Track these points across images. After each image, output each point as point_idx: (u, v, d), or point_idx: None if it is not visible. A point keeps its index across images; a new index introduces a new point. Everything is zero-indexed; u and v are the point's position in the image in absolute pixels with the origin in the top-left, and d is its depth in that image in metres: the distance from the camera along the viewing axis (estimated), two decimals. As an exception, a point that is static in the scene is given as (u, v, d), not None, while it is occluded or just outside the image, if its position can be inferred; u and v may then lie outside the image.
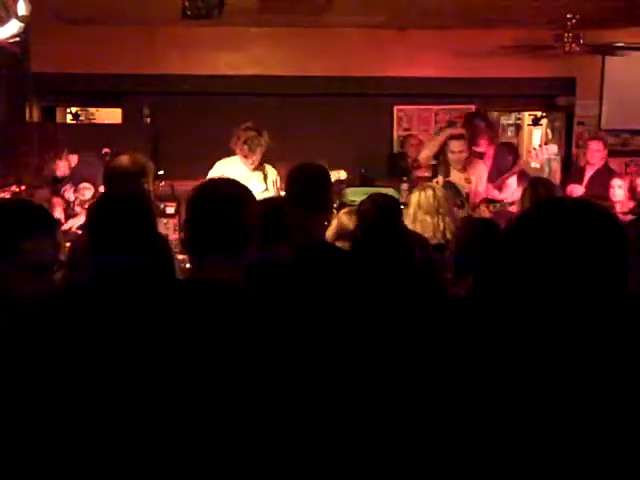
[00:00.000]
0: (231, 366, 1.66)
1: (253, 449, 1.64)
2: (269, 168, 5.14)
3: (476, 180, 5.31)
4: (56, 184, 5.96)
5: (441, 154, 5.39)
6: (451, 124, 5.88)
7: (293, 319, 1.80)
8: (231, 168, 4.92)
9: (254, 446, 1.63)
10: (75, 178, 5.86)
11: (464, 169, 5.29)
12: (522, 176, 6.52)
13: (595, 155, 6.11)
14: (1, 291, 1.74)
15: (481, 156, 5.80)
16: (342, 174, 5.54)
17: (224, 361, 1.66)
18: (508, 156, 6.19)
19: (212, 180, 2.02)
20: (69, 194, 5.73)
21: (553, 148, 5.89)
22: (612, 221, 1.39)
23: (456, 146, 5.28)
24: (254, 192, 4.48)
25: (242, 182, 4.48)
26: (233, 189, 1.92)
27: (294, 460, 1.65)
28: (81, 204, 5.42)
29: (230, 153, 5.10)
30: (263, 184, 5.04)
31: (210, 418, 1.64)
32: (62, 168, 6.02)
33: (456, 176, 5.29)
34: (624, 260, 1.36)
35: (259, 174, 5.05)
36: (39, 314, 1.79)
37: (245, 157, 4.95)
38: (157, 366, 1.68)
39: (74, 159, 6.13)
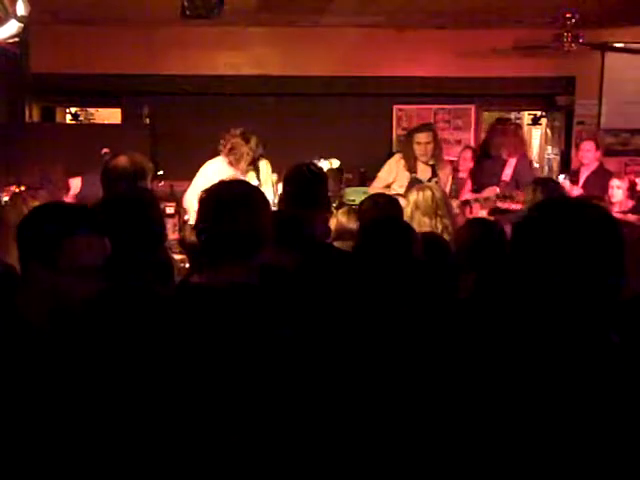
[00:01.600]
0: (246, 368, 1.66)
1: (260, 448, 1.64)
2: (262, 163, 5.13)
3: (442, 182, 5.25)
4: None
5: (406, 147, 5.36)
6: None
7: (301, 320, 1.80)
8: (221, 168, 4.92)
9: (262, 445, 1.64)
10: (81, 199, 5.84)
11: (429, 162, 5.25)
12: (519, 165, 6.42)
13: (586, 155, 6.08)
14: (49, 291, 1.71)
15: (502, 162, 5.78)
16: (335, 162, 5.49)
17: (239, 364, 1.66)
18: (530, 170, 6.15)
19: (224, 182, 2.01)
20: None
21: (566, 183, 5.85)
22: (610, 220, 1.41)
23: (422, 137, 5.21)
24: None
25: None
26: (245, 191, 1.92)
27: (300, 458, 1.65)
28: None
29: None
30: (256, 180, 5.02)
31: (222, 420, 1.64)
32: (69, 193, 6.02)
33: (423, 171, 5.26)
34: (620, 258, 1.37)
35: (251, 172, 5.05)
36: (86, 316, 1.76)
37: (231, 164, 4.94)
38: (177, 369, 1.67)
39: (76, 182, 6.15)
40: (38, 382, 1.62)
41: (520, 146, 5.93)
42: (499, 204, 5.40)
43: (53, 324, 1.68)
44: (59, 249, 1.69)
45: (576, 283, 1.35)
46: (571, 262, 1.35)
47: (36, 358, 1.64)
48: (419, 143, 5.21)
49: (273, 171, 5.51)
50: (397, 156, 5.51)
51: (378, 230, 2.28)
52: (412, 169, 5.24)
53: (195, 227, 1.92)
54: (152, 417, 1.66)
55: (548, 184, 4.44)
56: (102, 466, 1.62)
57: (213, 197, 1.89)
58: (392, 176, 5.36)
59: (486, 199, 5.42)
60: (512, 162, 5.77)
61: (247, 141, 4.88)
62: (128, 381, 1.68)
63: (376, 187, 5.35)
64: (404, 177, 5.27)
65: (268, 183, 5.10)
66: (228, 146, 4.89)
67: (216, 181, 5.31)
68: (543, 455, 1.30)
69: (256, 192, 1.97)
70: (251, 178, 5.02)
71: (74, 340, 1.70)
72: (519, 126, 6.75)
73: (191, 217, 4.89)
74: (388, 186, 5.27)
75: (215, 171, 4.90)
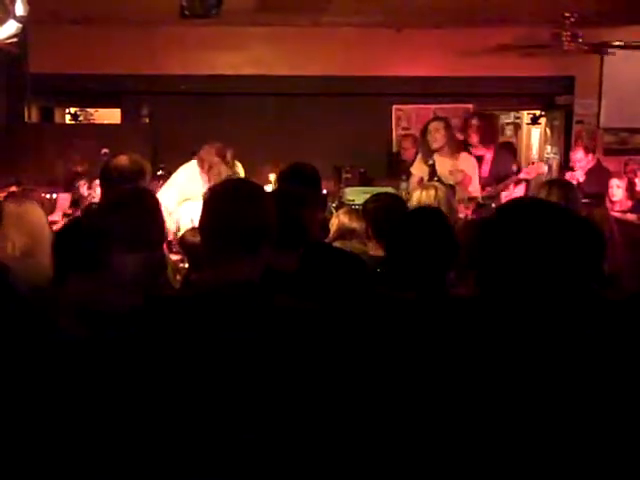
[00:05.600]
0: (253, 366, 1.65)
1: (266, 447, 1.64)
2: (236, 165, 5.15)
3: (465, 175, 5.28)
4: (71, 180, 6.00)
5: (422, 137, 5.50)
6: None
7: (305, 319, 1.80)
8: (196, 174, 4.92)
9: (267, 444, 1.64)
10: (92, 174, 5.87)
11: (442, 150, 5.34)
12: (497, 158, 6.41)
13: (579, 165, 6.16)
14: (90, 305, 1.72)
15: (479, 159, 5.77)
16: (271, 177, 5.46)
17: (246, 363, 1.65)
18: (508, 158, 6.16)
19: (229, 180, 2.01)
20: (83, 189, 5.75)
21: (544, 168, 5.90)
22: (582, 222, 1.45)
23: (432, 125, 5.41)
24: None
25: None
26: (251, 188, 1.92)
27: (298, 460, 1.65)
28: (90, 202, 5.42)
29: None
30: None
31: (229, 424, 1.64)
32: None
33: (441, 164, 5.29)
34: (599, 255, 1.41)
35: None
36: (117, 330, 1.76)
37: (209, 180, 4.94)
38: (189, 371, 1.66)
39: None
40: (73, 387, 1.63)
41: (493, 137, 5.90)
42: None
43: (90, 333, 1.69)
44: (108, 263, 1.70)
45: (547, 280, 1.38)
46: (543, 260, 1.39)
47: (73, 365, 1.66)
48: (429, 132, 5.38)
49: (271, 171, 5.52)
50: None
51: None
52: (427, 158, 5.37)
53: (200, 224, 1.91)
54: (171, 420, 1.66)
55: (564, 185, 4.39)
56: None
57: (220, 194, 1.89)
58: (419, 172, 5.49)
59: (470, 199, 5.36)
60: (488, 158, 5.78)
61: (224, 157, 4.90)
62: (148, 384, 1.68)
63: (413, 182, 5.44)
64: (425, 172, 5.36)
65: None
66: (206, 166, 4.90)
67: (190, 187, 5.22)
68: (545, 448, 1.31)
69: (261, 189, 1.97)
70: None
71: (110, 347, 1.69)
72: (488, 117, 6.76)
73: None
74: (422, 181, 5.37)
75: (189, 177, 4.91)
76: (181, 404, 1.65)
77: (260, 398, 1.64)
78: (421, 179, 5.34)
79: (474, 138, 5.68)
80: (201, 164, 4.93)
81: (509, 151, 6.60)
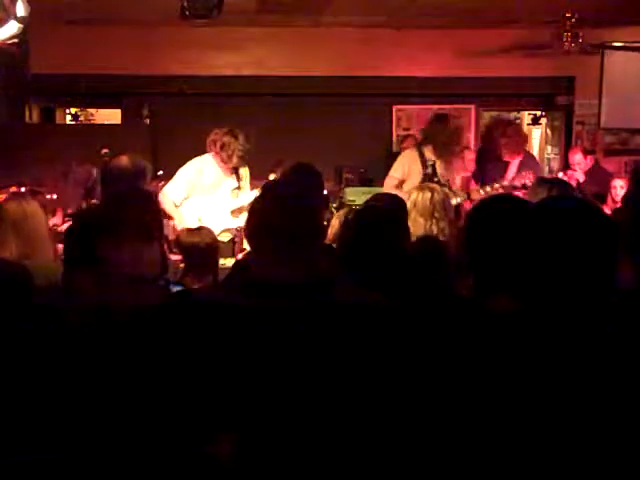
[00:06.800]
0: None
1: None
2: (243, 170, 5.14)
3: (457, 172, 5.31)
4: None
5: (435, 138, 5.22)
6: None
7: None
8: (206, 167, 4.92)
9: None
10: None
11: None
12: (523, 164, 6.44)
13: (578, 167, 6.18)
14: (95, 301, 1.71)
15: (505, 164, 5.80)
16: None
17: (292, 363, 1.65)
18: (536, 167, 6.21)
19: (280, 181, 2.00)
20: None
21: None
22: (604, 219, 1.43)
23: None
24: (227, 190, 4.59)
25: (217, 181, 4.49)
26: (300, 189, 1.91)
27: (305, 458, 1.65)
28: None
29: None
30: (236, 182, 5.03)
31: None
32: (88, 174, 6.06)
33: (439, 165, 5.22)
34: (613, 255, 1.40)
35: (230, 178, 5.05)
36: (134, 326, 1.73)
37: (223, 162, 4.91)
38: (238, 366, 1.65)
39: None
40: (80, 384, 1.63)
41: (521, 145, 5.95)
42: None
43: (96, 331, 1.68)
44: (106, 258, 1.69)
45: (563, 279, 1.38)
46: (557, 259, 1.38)
47: (79, 362, 1.65)
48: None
49: (272, 171, 5.53)
50: (408, 152, 5.35)
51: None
52: (445, 155, 5.15)
53: (250, 224, 1.89)
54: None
55: (564, 185, 4.38)
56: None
57: (276, 193, 1.87)
58: (400, 173, 5.18)
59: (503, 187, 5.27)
60: (515, 162, 5.80)
61: (236, 137, 4.87)
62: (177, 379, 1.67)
63: (388, 185, 5.12)
64: (417, 174, 5.11)
65: (247, 189, 5.10)
66: (219, 144, 4.87)
67: (200, 180, 5.18)
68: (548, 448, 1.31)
69: (309, 190, 1.97)
70: (232, 177, 5.02)
71: (120, 347, 1.68)
72: (519, 125, 6.79)
73: (169, 210, 4.81)
74: (400, 185, 5.06)
75: (201, 168, 4.91)
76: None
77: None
78: (423, 180, 5.26)
79: (505, 146, 5.69)
80: (212, 145, 4.90)
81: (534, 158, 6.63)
